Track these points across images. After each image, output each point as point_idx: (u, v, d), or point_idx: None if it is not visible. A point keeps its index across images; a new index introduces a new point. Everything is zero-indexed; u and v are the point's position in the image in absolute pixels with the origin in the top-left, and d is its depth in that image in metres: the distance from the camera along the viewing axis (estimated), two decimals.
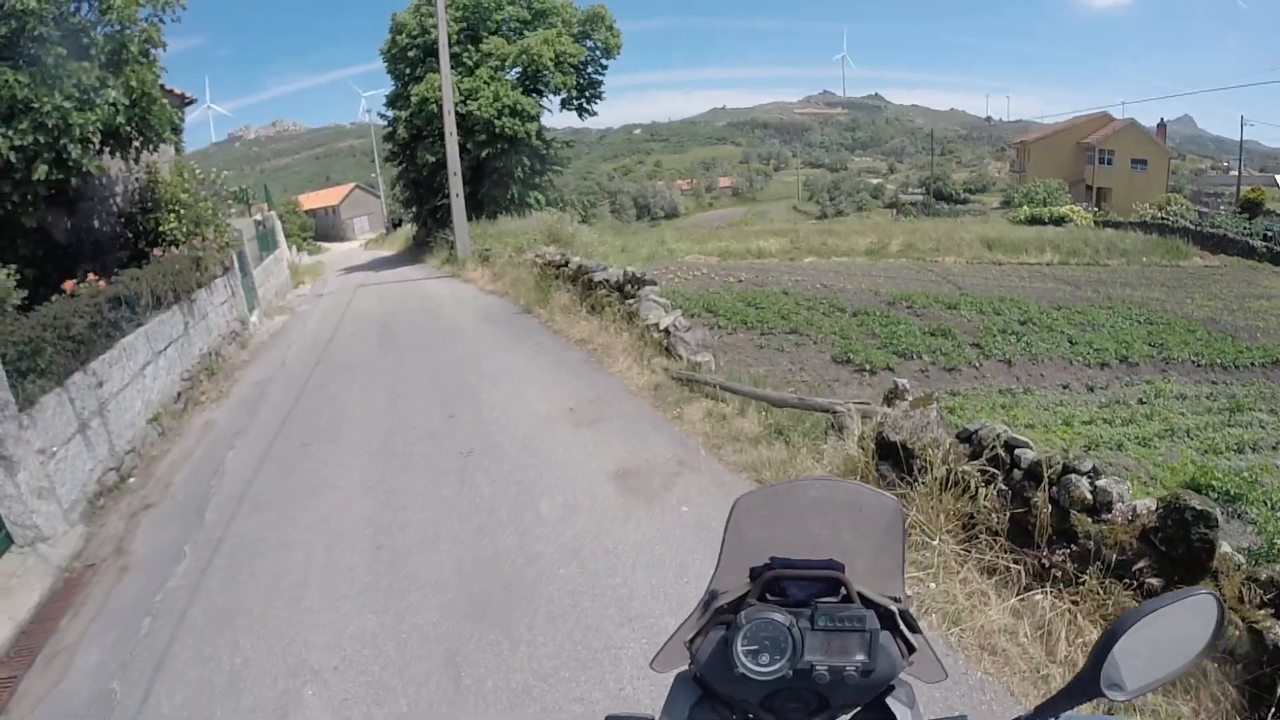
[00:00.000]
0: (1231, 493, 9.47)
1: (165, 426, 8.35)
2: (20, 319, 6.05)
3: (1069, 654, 3.42)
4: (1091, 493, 3.81)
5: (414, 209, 32.26)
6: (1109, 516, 3.73)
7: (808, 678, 1.01)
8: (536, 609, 4.05)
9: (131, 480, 7.18)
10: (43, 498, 5.84)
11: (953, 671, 3.42)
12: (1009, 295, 20.26)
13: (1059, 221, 36.31)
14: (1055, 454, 4.00)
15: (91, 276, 7.32)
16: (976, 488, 4.13)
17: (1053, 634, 3.51)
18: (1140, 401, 14.57)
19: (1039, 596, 3.69)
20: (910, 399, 5.40)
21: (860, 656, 1.02)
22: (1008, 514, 4.02)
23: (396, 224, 48.03)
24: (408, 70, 27.41)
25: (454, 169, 20.63)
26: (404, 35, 27.06)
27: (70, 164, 7.18)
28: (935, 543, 4.09)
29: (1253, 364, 16.87)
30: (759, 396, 6.53)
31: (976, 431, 4.32)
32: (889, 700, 1.07)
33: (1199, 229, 32.43)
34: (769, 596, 1.05)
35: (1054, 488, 3.89)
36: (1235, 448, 12.38)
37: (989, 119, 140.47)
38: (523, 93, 25.88)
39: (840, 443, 5.04)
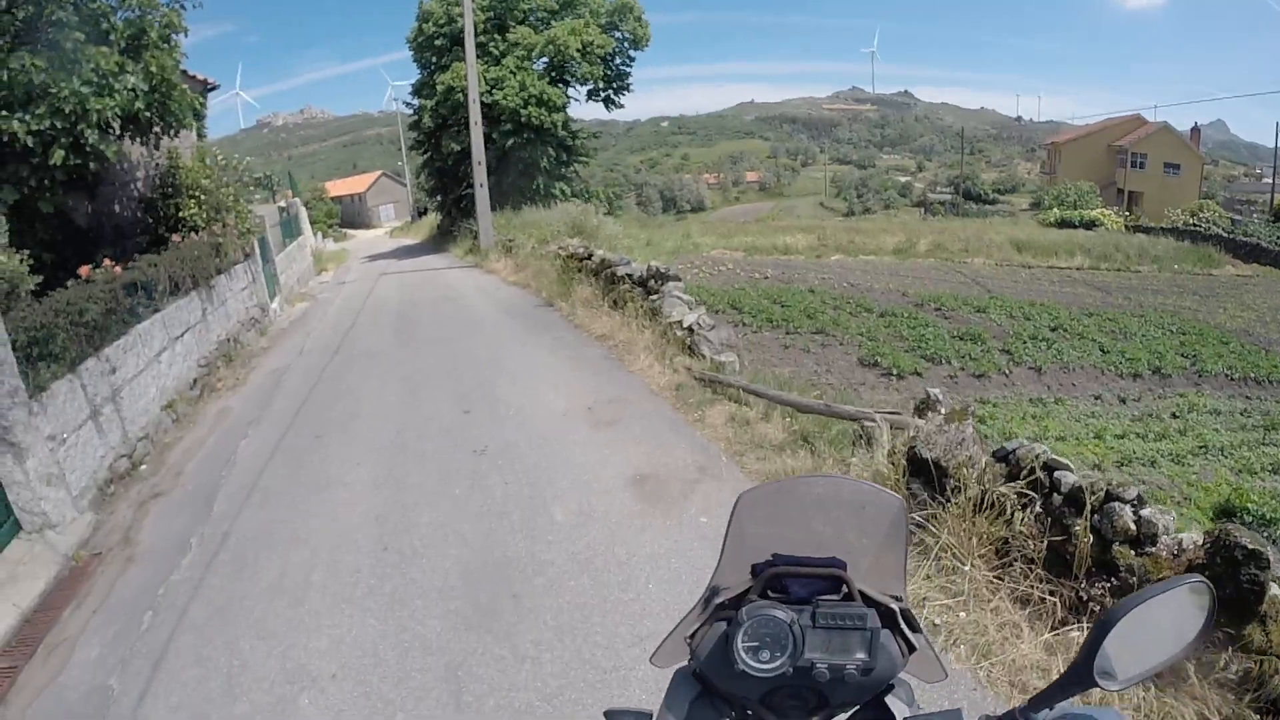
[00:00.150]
0: (1267, 517, 9.17)
1: (180, 413, 8.30)
2: (33, 305, 5.99)
3: (1104, 697, 3.18)
4: (1135, 523, 3.55)
5: (438, 198, 32.24)
6: (1153, 550, 3.48)
7: (808, 675, 1.00)
8: (544, 622, 3.87)
9: (143, 467, 7.13)
10: (51, 484, 5.79)
11: (980, 708, 3.23)
12: (1039, 300, 19.87)
13: (1089, 225, 35.79)
14: (1098, 479, 3.74)
15: (108, 262, 7.26)
16: (1012, 511, 3.88)
17: None
18: (1173, 415, 14.22)
19: (1075, 632, 3.46)
20: (944, 412, 5.16)
21: (861, 655, 1.01)
22: (1045, 541, 3.77)
23: (422, 212, 48.06)
24: (434, 59, 27.34)
25: (478, 158, 20.47)
26: (431, 24, 26.94)
27: (88, 149, 7.11)
28: (967, 568, 3.85)
29: None
30: (784, 401, 6.29)
31: (1014, 451, 4.07)
32: (888, 699, 1.07)
33: (1231, 237, 31.58)
34: (770, 593, 1.05)
35: (1095, 515, 3.64)
36: (1271, 468, 11.99)
37: (1019, 119, 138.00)
38: (549, 83, 25.69)
39: (869, 455, 4.80)
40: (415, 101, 29.08)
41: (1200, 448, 12.71)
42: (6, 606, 4.83)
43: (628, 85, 28.62)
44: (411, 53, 28.30)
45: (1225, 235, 31.85)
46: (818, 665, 1.00)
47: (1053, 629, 3.54)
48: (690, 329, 8.34)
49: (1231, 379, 16.14)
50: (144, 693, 3.79)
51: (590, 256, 12.46)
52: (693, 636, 1.08)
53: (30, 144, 6.69)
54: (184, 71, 9.48)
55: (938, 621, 3.68)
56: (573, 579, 4.24)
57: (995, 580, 3.84)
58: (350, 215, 65.04)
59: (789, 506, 1.16)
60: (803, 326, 15.62)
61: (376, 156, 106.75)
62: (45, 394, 5.83)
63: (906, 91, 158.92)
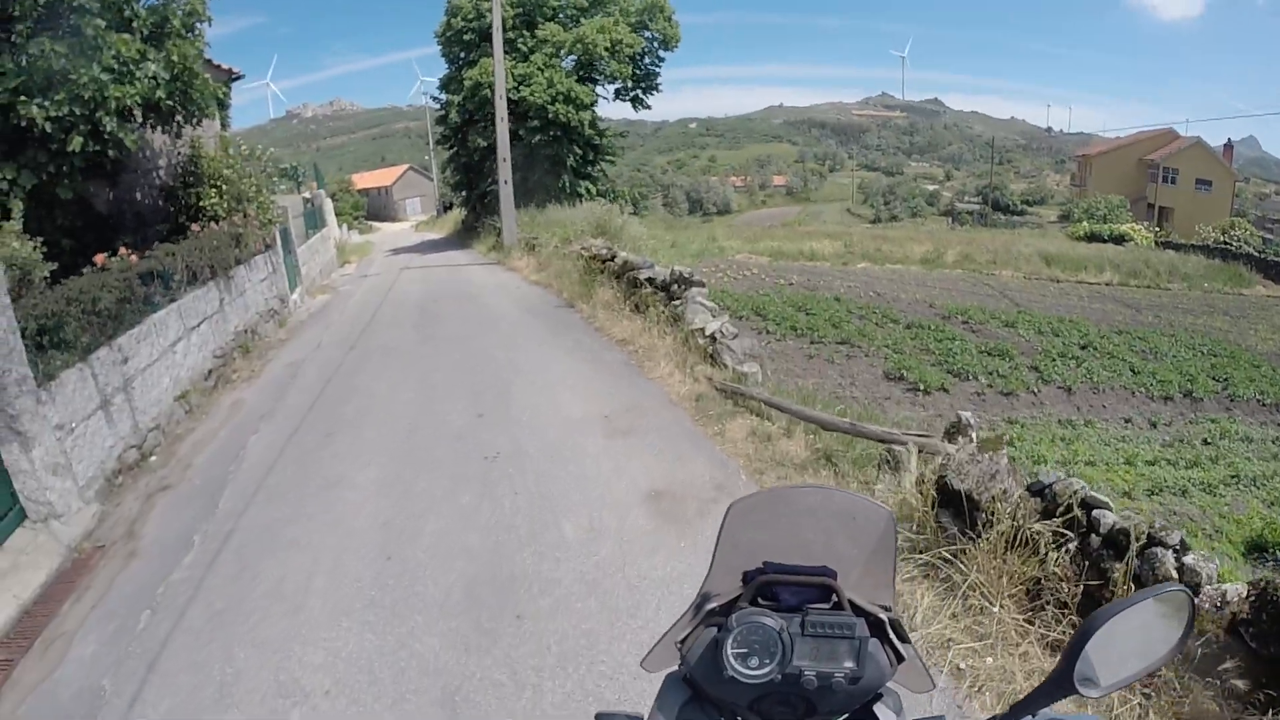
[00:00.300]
0: None
1: (193, 404, 8.24)
2: (45, 292, 5.93)
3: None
4: (1177, 570, 3.32)
5: (464, 193, 32.19)
6: (1195, 601, 3.23)
7: (796, 682, 1.01)
8: (548, 647, 3.69)
9: (153, 458, 7.07)
10: (58, 474, 5.73)
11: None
12: (1068, 315, 19.50)
13: (1119, 240, 35.30)
14: (1140, 522, 3.51)
15: (124, 250, 7.20)
16: (1047, 550, 3.65)
17: None
18: (1205, 442, 13.84)
19: None
20: (975, 437, 4.93)
21: (849, 663, 1.02)
22: (1081, 585, 3.54)
23: (447, 207, 48.12)
24: (462, 54, 27.26)
25: (503, 155, 20.37)
26: (459, 19, 26.88)
27: (106, 136, 7.05)
28: (996, 609, 3.62)
29: None
30: (808, 417, 6.06)
31: (1051, 485, 3.83)
32: (876, 708, 1.07)
33: (1263, 256, 31.05)
34: (761, 601, 1.06)
35: (1136, 560, 3.40)
36: None
37: (1049, 129, 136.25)
38: (577, 81, 25.53)
39: (895, 480, 4.57)
40: (443, 96, 29.01)
41: (1232, 477, 12.35)
42: (7, 598, 4.77)
43: (656, 85, 28.37)
44: (440, 47, 28.24)
45: (1256, 254, 31.31)
46: (806, 673, 1.01)
47: None
48: (713, 337, 8.13)
49: (1263, 404, 15.76)
50: (136, 696, 3.70)
51: (613, 258, 12.27)
52: (683, 642, 1.08)
53: (49, 130, 6.64)
54: (208, 61, 9.45)
55: (963, 666, 3.46)
56: (580, 601, 4.05)
57: (1026, 624, 3.61)
58: (376, 208, 65.40)
59: (780, 515, 1.17)
60: (827, 336, 15.37)
61: (404, 150, 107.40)
62: (54, 382, 5.76)
63: (936, 99, 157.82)
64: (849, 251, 25.43)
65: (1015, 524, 3.77)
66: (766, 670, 1.01)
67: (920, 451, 4.82)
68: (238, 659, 3.89)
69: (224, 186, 10.42)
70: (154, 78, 7.28)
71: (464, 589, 4.26)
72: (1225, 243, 33.81)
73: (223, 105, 9.96)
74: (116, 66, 6.94)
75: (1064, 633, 3.49)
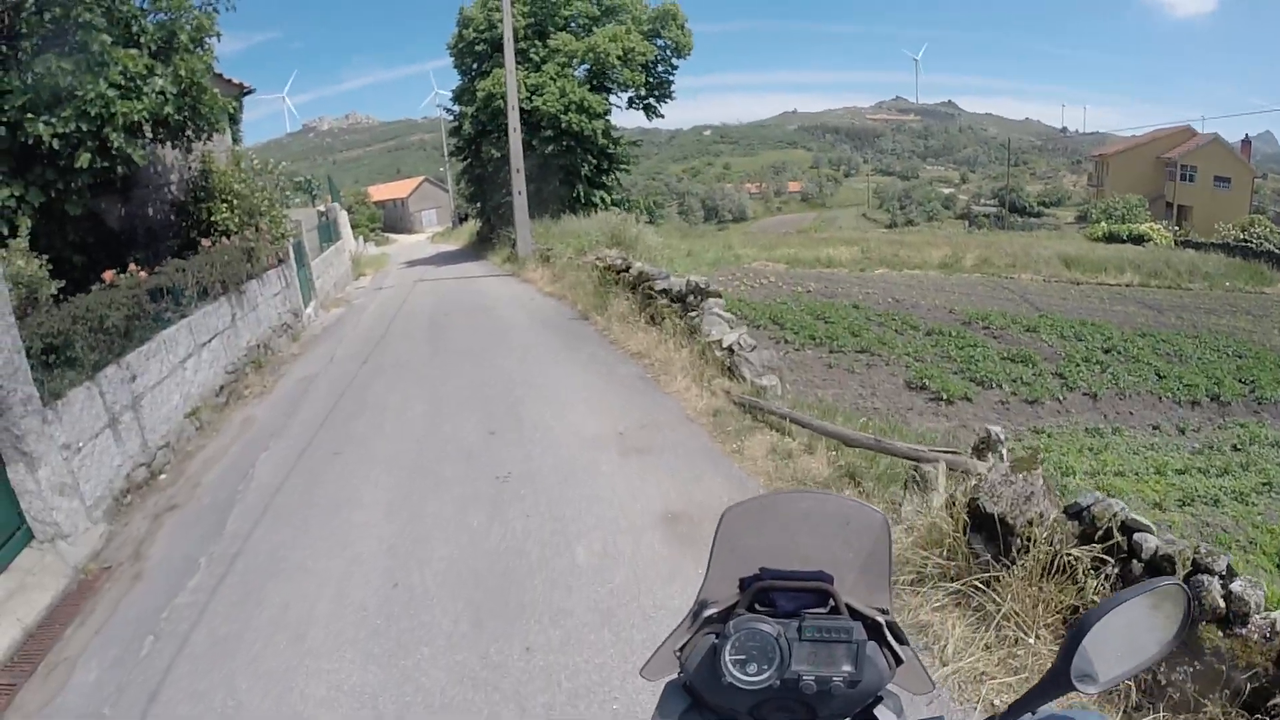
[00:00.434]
0: None
1: (204, 421, 8.17)
2: (52, 310, 5.87)
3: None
4: (1224, 599, 3.10)
5: (478, 204, 32.24)
6: (1243, 631, 3.03)
7: (795, 688, 1.01)
8: (558, 684, 3.50)
9: (163, 477, 7.02)
10: (64, 494, 5.66)
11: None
12: (1090, 319, 19.15)
13: (1138, 240, 34.70)
14: (1185, 547, 3.29)
15: (133, 267, 7.15)
16: (1085, 577, 3.43)
17: None
18: (1234, 448, 13.51)
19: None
20: (1005, 452, 4.71)
21: (847, 667, 1.02)
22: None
23: (462, 218, 48.29)
24: (475, 65, 27.26)
25: (517, 165, 20.30)
26: (471, 29, 26.87)
27: (114, 152, 7.00)
28: (1032, 641, 3.41)
29: None
30: (830, 433, 5.85)
31: (1089, 508, 3.61)
32: (876, 710, 1.08)
33: None
34: (758, 607, 1.06)
35: None
36: None
37: (1064, 130, 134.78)
38: (590, 90, 25.45)
39: (923, 501, 4.35)
40: (456, 108, 29.03)
41: (1264, 484, 12.03)
42: (11, 621, 4.72)
43: (670, 93, 28.24)
44: (452, 59, 28.26)
45: (1277, 251, 30.59)
46: (804, 678, 1.01)
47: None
48: (730, 349, 7.93)
49: None
50: None
51: (628, 269, 12.12)
52: (682, 649, 1.08)
53: (56, 147, 6.60)
54: (218, 75, 9.41)
55: (996, 702, 3.25)
56: (593, 633, 3.86)
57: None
58: (393, 220, 65.79)
59: (775, 521, 1.17)
60: (847, 345, 15.15)
61: (420, 162, 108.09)
62: (61, 402, 5.70)
63: (950, 101, 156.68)
64: (866, 257, 25.13)
65: (1053, 550, 3.57)
66: (765, 676, 1.01)
67: (949, 469, 4.61)
68: (239, 690, 3.78)
69: (235, 201, 10.39)
70: (161, 92, 7.22)
71: (472, 619, 4.09)
72: (1245, 240, 33.14)
73: (234, 120, 9.92)
74: (124, 82, 6.89)
75: None
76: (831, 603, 1.05)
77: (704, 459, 6.13)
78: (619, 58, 25.20)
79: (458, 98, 28.72)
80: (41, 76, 6.46)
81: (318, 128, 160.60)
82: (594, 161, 26.21)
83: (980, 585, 3.69)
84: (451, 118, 30.66)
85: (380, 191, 70.92)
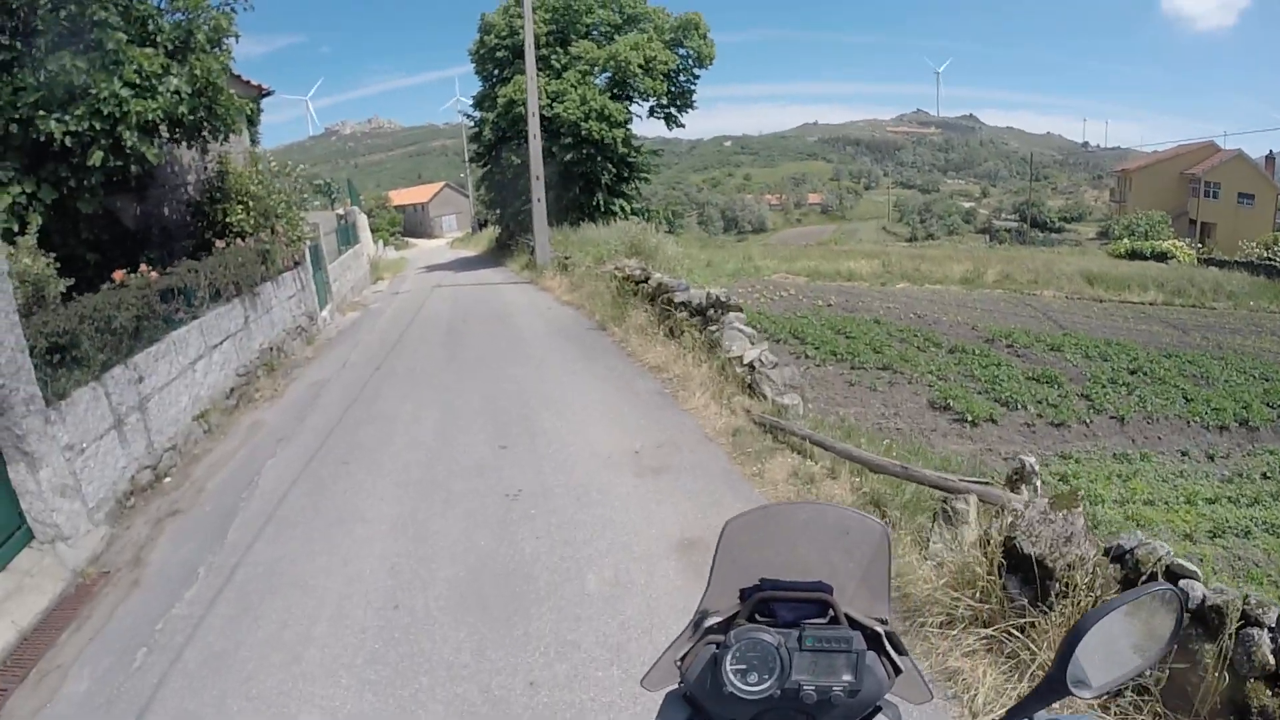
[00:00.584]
0: None
1: (213, 424, 8.05)
2: (58, 309, 5.76)
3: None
4: (1274, 653, 2.87)
5: (498, 211, 32.19)
6: None
7: (795, 697, 1.01)
8: None
9: (168, 480, 6.91)
10: (65, 496, 5.57)
11: None
12: (1115, 338, 18.74)
13: (1161, 257, 34.24)
14: (1234, 597, 3.04)
15: (144, 267, 7.05)
16: None
17: None
18: (1264, 476, 13.03)
19: None
20: (1039, 484, 4.46)
21: (847, 677, 1.02)
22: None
23: (482, 224, 48.30)
24: (495, 71, 27.24)
25: (536, 172, 20.17)
26: (492, 36, 26.87)
27: (128, 151, 6.90)
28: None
29: None
30: (854, 457, 5.59)
31: (1132, 550, 3.37)
32: None
33: None
34: (758, 617, 1.07)
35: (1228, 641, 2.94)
36: None
37: (1086, 145, 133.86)
38: (611, 98, 25.33)
39: (953, 536, 4.09)
40: (476, 114, 29.07)
41: None
42: (6, 623, 4.63)
43: (691, 103, 28.05)
44: (473, 65, 28.25)
45: None
46: (805, 687, 1.01)
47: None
48: (751, 366, 7.68)
49: None
50: None
51: (647, 279, 11.91)
52: (683, 659, 1.08)
53: (68, 144, 6.51)
54: (236, 76, 9.35)
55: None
56: (601, 669, 3.64)
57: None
58: (413, 224, 66.10)
59: (775, 532, 1.18)
60: (869, 361, 14.86)
61: (441, 167, 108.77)
62: (65, 402, 5.60)
63: (971, 115, 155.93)
64: (887, 271, 24.86)
65: (1095, 595, 3.32)
66: (766, 686, 1.01)
67: (981, 501, 4.36)
68: (230, 711, 3.64)
69: (251, 203, 10.31)
70: (176, 92, 7.12)
71: (474, 648, 3.88)
72: (1270, 258, 32.57)
73: (251, 121, 9.85)
74: (138, 81, 6.80)
75: None
76: (831, 613, 1.06)
77: (723, 482, 5.88)
78: (640, 66, 25.06)
79: (479, 104, 28.73)
80: (55, 74, 6.38)
81: (340, 131, 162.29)
82: (614, 170, 26.05)
83: (1015, 631, 3.44)
84: (472, 124, 30.68)
85: (401, 196, 71.33)
